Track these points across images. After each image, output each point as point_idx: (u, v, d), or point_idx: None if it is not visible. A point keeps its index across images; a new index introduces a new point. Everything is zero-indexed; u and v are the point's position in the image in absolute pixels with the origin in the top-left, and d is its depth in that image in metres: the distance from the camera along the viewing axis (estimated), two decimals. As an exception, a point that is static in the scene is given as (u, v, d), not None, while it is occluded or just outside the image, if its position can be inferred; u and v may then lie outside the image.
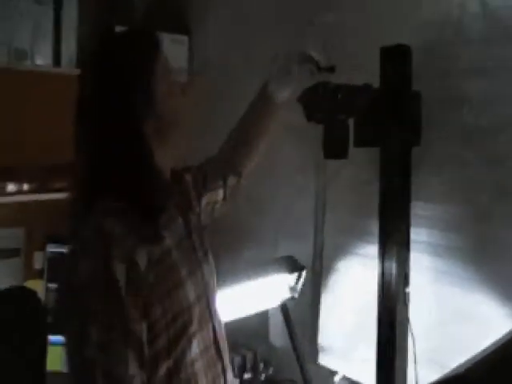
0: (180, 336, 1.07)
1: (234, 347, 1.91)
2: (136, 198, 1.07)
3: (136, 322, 1.00)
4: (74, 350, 1.01)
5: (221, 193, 1.40)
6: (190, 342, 1.09)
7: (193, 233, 1.22)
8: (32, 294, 1.79)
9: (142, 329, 1.01)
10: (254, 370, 2.00)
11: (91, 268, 0.99)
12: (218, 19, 2.31)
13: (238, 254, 2.05)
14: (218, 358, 1.18)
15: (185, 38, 2.33)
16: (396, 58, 1.49)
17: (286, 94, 1.37)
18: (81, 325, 0.98)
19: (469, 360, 1.13)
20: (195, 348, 1.10)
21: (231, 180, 1.41)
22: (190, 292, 1.11)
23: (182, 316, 1.08)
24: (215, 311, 1.21)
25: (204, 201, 1.36)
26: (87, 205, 1.06)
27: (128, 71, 1.09)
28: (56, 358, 1.88)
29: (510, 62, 1.39)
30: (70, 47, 2.20)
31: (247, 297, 1.70)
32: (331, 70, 1.32)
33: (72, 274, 1.02)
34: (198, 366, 1.11)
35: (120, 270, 0.98)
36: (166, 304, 1.05)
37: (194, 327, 1.10)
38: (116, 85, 1.08)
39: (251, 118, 1.43)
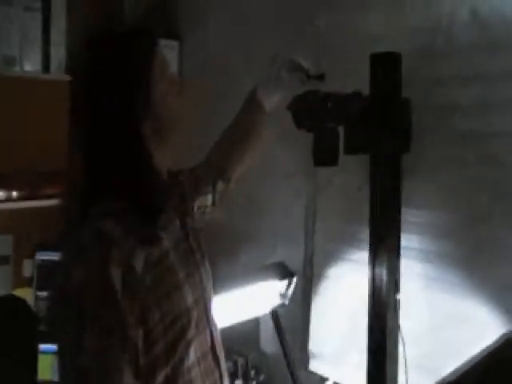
0: (178, 341, 1.05)
1: (225, 354, 1.91)
2: (135, 198, 1.05)
3: (132, 328, 0.97)
4: (67, 358, 0.98)
5: (210, 198, 1.39)
6: (187, 349, 1.07)
7: (190, 235, 1.21)
8: (22, 302, 1.77)
9: (139, 335, 0.99)
10: (245, 376, 1.99)
11: (86, 272, 0.96)
12: (212, 22, 2.29)
13: (230, 260, 2.04)
14: (215, 365, 1.16)
15: (175, 44, 2.33)
16: (386, 65, 1.48)
17: (274, 101, 1.37)
18: (75, 332, 0.95)
19: (460, 367, 1.13)
20: (193, 355, 1.08)
21: (220, 185, 1.40)
22: (188, 295, 1.09)
23: (181, 319, 1.06)
24: (212, 316, 1.19)
25: (196, 205, 1.35)
26: (84, 208, 1.04)
27: (125, 70, 1.07)
28: (47, 366, 1.86)
29: (499, 68, 1.39)
30: (59, 53, 2.18)
31: (238, 304, 1.69)
32: (321, 78, 1.32)
33: (66, 280, 0.99)
34: (195, 373, 1.09)
35: (116, 274, 0.96)
36: (163, 307, 1.03)
37: (191, 332, 1.08)
38: (113, 85, 1.07)
39: (240, 123, 1.43)
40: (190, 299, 1.09)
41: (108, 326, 0.95)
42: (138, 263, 1.00)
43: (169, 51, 2.19)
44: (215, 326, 1.20)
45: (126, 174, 1.06)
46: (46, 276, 2.00)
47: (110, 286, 0.95)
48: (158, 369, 1.02)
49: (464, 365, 1.14)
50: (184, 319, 1.06)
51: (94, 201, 1.05)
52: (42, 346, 1.85)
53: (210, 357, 1.15)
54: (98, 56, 1.10)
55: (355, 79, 1.52)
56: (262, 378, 2.02)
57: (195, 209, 1.35)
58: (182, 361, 1.06)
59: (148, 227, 1.05)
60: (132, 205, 1.05)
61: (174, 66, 2.23)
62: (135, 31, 1.16)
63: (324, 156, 1.35)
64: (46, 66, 2.19)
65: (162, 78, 1.10)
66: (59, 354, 1.02)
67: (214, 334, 1.18)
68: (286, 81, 1.34)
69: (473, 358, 1.16)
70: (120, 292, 0.96)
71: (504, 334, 1.28)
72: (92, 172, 1.07)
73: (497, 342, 1.24)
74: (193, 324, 1.08)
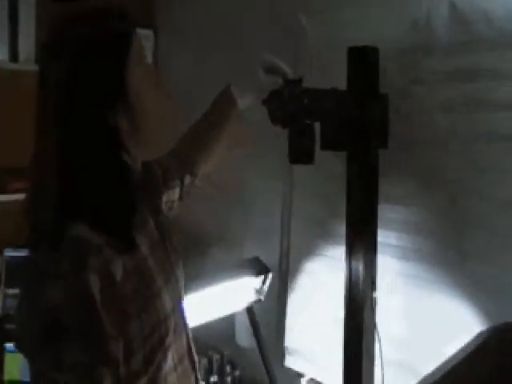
0: (157, 349, 1.01)
1: (200, 349, 1.89)
2: (110, 199, 0.99)
3: (114, 341, 0.93)
4: (42, 373, 0.92)
5: (177, 192, 1.35)
6: (165, 355, 1.04)
7: (165, 235, 1.16)
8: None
9: (119, 347, 0.94)
10: (221, 372, 1.98)
11: (63, 284, 0.89)
12: (189, 11, 2.22)
13: (204, 257, 2.02)
14: (191, 369, 1.14)
15: (150, 33, 2.27)
16: (363, 59, 1.46)
17: (247, 101, 1.34)
18: (52, 348, 0.89)
19: (437, 369, 1.13)
20: (170, 360, 1.05)
21: (187, 179, 1.36)
22: (167, 302, 1.06)
23: (159, 328, 1.02)
24: (186, 319, 1.17)
25: (163, 199, 1.30)
26: (58, 212, 0.96)
27: (99, 54, 0.97)
28: (13, 366, 1.79)
29: (478, 65, 1.38)
30: (27, 42, 2.11)
31: (213, 301, 1.68)
32: (299, 82, 1.28)
33: (40, 291, 0.91)
34: (173, 378, 1.06)
35: (95, 283, 0.90)
36: (143, 316, 0.99)
37: (170, 338, 1.05)
38: (84, 71, 0.96)
39: (211, 118, 1.39)
40: (168, 306, 1.06)
41: (86, 341, 0.90)
42: (117, 271, 0.95)
43: (143, 41, 2.15)
44: (189, 329, 1.18)
45: (99, 171, 0.98)
46: (14, 273, 1.95)
47: (89, 297, 0.90)
48: (138, 378, 0.98)
49: (441, 366, 1.13)
50: (163, 328, 1.03)
51: (69, 204, 0.97)
52: (8, 346, 1.79)
53: (186, 361, 1.13)
54: (71, 37, 0.98)
55: (333, 76, 1.48)
56: (237, 373, 2.01)
57: (163, 204, 1.30)
58: (159, 368, 1.03)
59: (124, 232, 1.00)
60: (107, 206, 0.98)
61: (148, 58, 2.19)
62: (109, 8, 1.03)
63: (300, 153, 1.31)
64: (13, 55, 2.11)
65: (138, 66, 1.01)
66: (33, 369, 0.95)
67: (190, 336, 1.16)
68: (262, 82, 1.30)
69: (450, 359, 1.15)
70: (99, 302, 0.90)
71: (480, 333, 1.27)
72: (66, 170, 0.97)
73: (473, 341, 1.23)
74: (171, 331, 1.05)
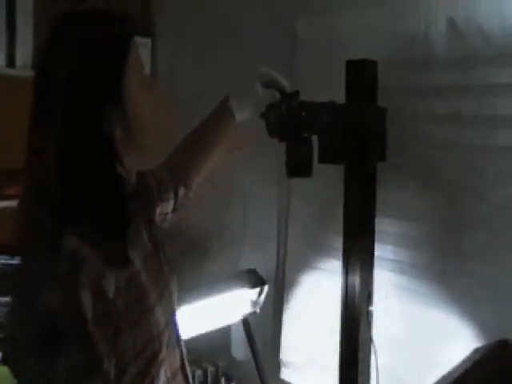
0: (149, 365, 1.00)
1: (195, 361, 1.90)
2: (101, 211, 0.97)
3: (106, 360, 0.91)
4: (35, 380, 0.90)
5: (171, 204, 1.33)
6: (158, 371, 1.03)
7: (159, 248, 1.15)
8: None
9: (111, 365, 0.93)
10: (216, 384, 1.98)
11: (55, 300, 0.88)
12: (188, 20, 2.22)
13: (199, 268, 2.02)
14: None
15: (148, 41, 2.25)
16: (362, 72, 1.47)
17: (245, 115, 1.34)
18: (43, 369, 0.87)
19: (435, 384, 1.13)
20: (163, 376, 1.04)
21: (181, 191, 1.35)
22: (161, 317, 1.04)
23: (152, 344, 1.01)
24: (180, 333, 1.16)
25: (157, 211, 1.29)
26: (57, 222, 0.94)
27: (97, 55, 0.96)
28: (2, 380, 1.74)
29: (475, 80, 1.39)
30: (25, 49, 2.11)
31: (208, 313, 1.68)
32: (295, 96, 1.29)
33: (31, 306, 0.90)
34: None
35: (87, 301, 0.89)
36: (136, 332, 0.97)
37: (163, 354, 1.04)
38: (82, 72, 0.95)
39: (207, 129, 1.38)
40: (162, 321, 1.05)
41: (78, 362, 0.88)
42: (110, 287, 0.94)
43: (140, 49, 2.15)
44: (183, 344, 1.17)
45: (92, 182, 0.97)
46: (4, 281, 1.91)
47: (81, 315, 0.88)
48: None
49: (439, 381, 1.13)
50: (156, 344, 1.02)
51: (68, 214, 0.95)
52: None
53: (179, 376, 1.12)
54: (71, 37, 0.96)
55: (331, 88, 1.50)
56: (232, 385, 2.01)
57: (157, 216, 1.28)
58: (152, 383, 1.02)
59: (117, 246, 0.99)
60: (100, 220, 0.97)
61: (145, 67, 2.18)
62: (108, 12, 1.02)
63: (298, 167, 1.31)
64: (10, 61, 2.11)
65: (136, 74, 1.01)
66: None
67: (183, 351, 1.15)
68: (260, 96, 1.31)
69: (446, 376, 1.15)
70: (91, 321, 0.89)
71: (476, 349, 1.28)
72: (62, 178, 0.95)
73: (470, 357, 1.23)
74: (164, 346, 1.04)
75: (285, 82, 1.31)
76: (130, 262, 1.01)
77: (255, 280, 1.76)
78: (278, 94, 1.31)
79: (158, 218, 1.29)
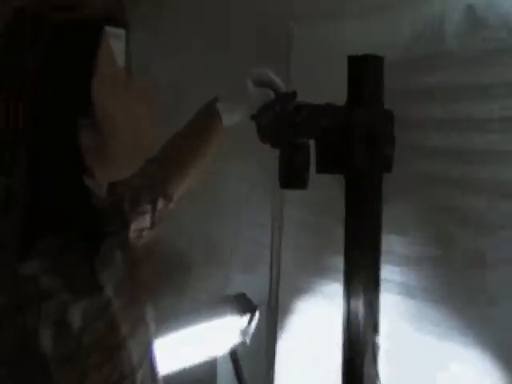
0: None
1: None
2: (68, 230, 0.97)
3: None
4: None
5: (148, 218, 1.33)
6: None
7: (133, 269, 1.14)
8: None
9: None
10: (199, 424, 1.97)
11: (9, 340, 0.88)
12: (166, 9, 2.25)
13: (181, 291, 2.02)
14: None
15: (121, 32, 2.27)
16: (366, 70, 1.48)
17: (235, 118, 1.36)
18: None
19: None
20: None
21: (160, 203, 1.35)
22: (133, 353, 1.03)
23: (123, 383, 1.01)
24: (157, 370, 1.15)
25: (132, 227, 1.28)
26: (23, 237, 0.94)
27: (62, 58, 0.96)
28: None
29: (498, 79, 1.39)
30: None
31: (191, 343, 1.68)
32: (291, 96, 1.31)
33: None
34: None
35: (47, 337, 0.88)
36: (104, 371, 0.97)
37: None
38: (39, 81, 0.94)
39: (191, 134, 1.40)
40: (135, 358, 1.04)
41: None
42: (74, 319, 0.93)
43: (113, 41, 2.15)
44: (161, 379, 1.17)
45: (57, 198, 0.97)
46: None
47: (40, 355, 0.88)
48: None
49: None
50: (128, 383, 1.02)
51: (31, 233, 0.94)
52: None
53: None
54: (28, 38, 0.96)
55: (331, 89, 1.52)
56: (218, 426, 2.01)
57: (131, 233, 1.27)
58: None
59: (85, 270, 0.98)
60: (65, 241, 0.97)
61: (119, 60, 2.19)
62: (71, 7, 1.00)
63: (292, 177, 1.33)
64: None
65: (106, 69, 1.01)
66: None
67: None
68: (252, 97, 1.33)
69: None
70: (52, 361, 0.89)
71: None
72: (31, 192, 0.96)
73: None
74: None
75: (279, 80, 1.33)
76: (100, 288, 1.00)
77: (245, 305, 1.77)
78: (272, 94, 1.33)
79: (132, 235, 1.28)
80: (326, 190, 1.64)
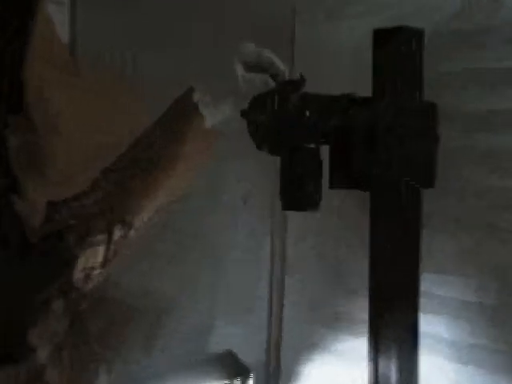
0: None
1: None
2: None
3: None
4: None
5: (101, 252, 1.29)
6: None
7: (79, 325, 1.13)
8: None
9: None
10: None
11: None
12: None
13: (150, 350, 1.96)
14: None
15: (63, 1, 2.25)
16: (398, 47, 1.40)
17: (220, 113, 1.33)
18: None
19: None
20: None
21: (117, 232, 1.31)
22: None
23: None
24: None
25: (78, 265, 1.24)
26: None
27: None
28: None
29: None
30: None
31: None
32: (299, 84, 1.28)
33: None
34: None
35: None
36: None
37: None
38: None
39: (161, 138, 1.37)
40: None
41: None
42: None
43: (54, 8, 2.14)
44: None
45: None
46: None
47: None
48: None
49: None
50: None
51: None
52: None
53: None
54: None
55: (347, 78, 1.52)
56: None
57: (77, 273, 1.24)
58: None
59: (12, 327, 0.99)
60: None
61: (63, 32, 2.20)
62: None
63: (297, 195, 1.33)
64: None
65: (44, 48, 1.01)
66: None
67: None
68: (242, 84, 1.32)
69: None
70: None
71: None
72: None
73: None
74: None
75: (280, 63, 1.33)
76: (31, 351, 1.02)
77: (234, 367, 1.74)
78: (270, 81, 1.33)
79: (78, 276, 1.24)
80: (342, 214, 1.63)
